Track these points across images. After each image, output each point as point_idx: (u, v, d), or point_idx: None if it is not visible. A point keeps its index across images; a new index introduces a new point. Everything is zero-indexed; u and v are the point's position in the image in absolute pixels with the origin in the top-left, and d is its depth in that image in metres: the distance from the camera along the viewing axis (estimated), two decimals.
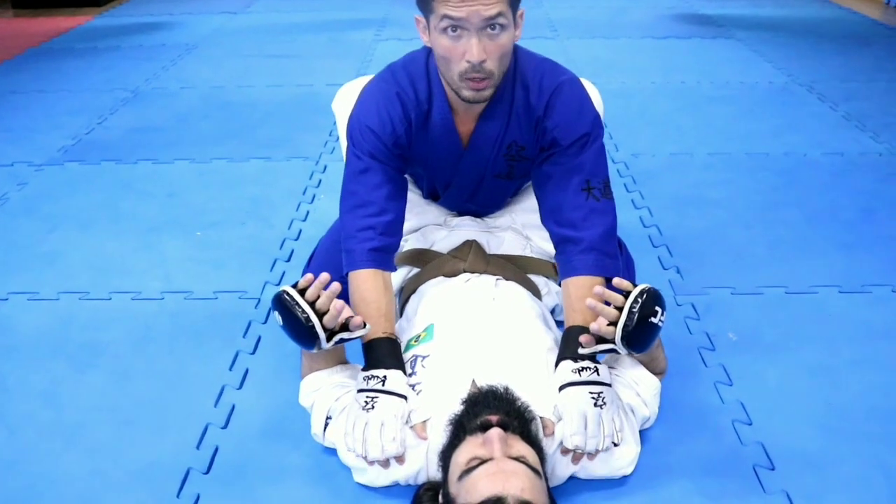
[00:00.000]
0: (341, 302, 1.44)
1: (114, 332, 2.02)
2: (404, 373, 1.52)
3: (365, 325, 1.49)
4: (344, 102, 2.05)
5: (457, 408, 1.39)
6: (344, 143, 2.04)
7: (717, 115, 3.48)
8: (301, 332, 1.44)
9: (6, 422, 1.72)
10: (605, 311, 1.41)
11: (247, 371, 1.85)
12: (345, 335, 1.47)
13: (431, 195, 1.99)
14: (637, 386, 1.56)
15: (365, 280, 1.63)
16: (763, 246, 2.38)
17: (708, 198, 2.69)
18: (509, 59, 1.59)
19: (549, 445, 1.42)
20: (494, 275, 1.79)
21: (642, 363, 1.59)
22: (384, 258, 1.66)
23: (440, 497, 1.33)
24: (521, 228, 1.95)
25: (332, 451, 1.55)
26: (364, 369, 1.54)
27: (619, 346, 1.42)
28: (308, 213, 2.63)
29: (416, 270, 1.88)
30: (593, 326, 1.42)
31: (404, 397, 1.47)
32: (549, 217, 1.71)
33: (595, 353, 1.47)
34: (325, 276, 1.45)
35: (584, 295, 1.53)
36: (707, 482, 1.52)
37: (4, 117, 3.62)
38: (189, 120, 3.53)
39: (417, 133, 1.69)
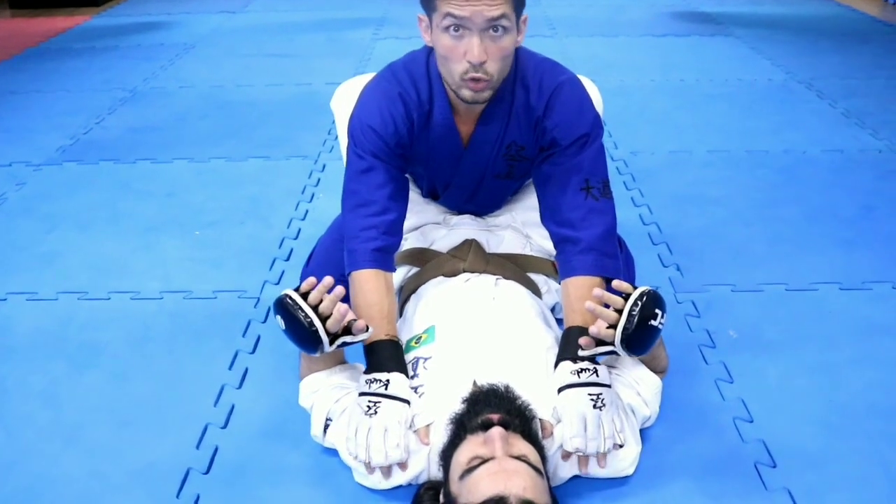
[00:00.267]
0: (345, 306, 1.43)
1: (113, 332, 2.01)
2: (406, 376, 1.52)
3: (367, 328, 1.48)
4: (342, 101, 2.04)
5: (457, 407, 1.39)
6: (343, 141, 2.03)
7: (717, 112, 3.48)
8: (304, 336, 1.43)
9: (5, 422, 1.71)
10: (605, 313, 1.40)
11: (246, 370, 1.85)
12: (347, 339, 1.46)
13: (431, 195, 1.99)
14: (638, 385, 1.56)
15: (367, 280, 1.62)
16: (763, 243, 2.37)
17: (707, 195, 2.69)
18: (510, 63, 1.59)
19: (550, 447, 1.42)
20: (494, 274, 1.78)
21: (643, 362, 1.59)
22: (386, 258, 1.66)
23: (441, 496, 1.33)
24: (520, 227, 1.95)
25: (332, 451, 1.54)
26: (366, 372, 1.53)
27: (618, 349, 1.42)
28: (307, 212, 2.62)
29: (415, 270, 1.88)
30: (592, 329, 1.41)
31: (407, 402, 1.46)
32: (549, 217, 1.71)
33: (595, 355, 1.46)
34: (328, 279, 1.44)
35: (583, 295, 1.52)
36: (708, 481, 1.52)
37: (3, 117, 3.62)
38: (188, 119, 3.52)
39: (419, 133, 1.69)
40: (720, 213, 2.57)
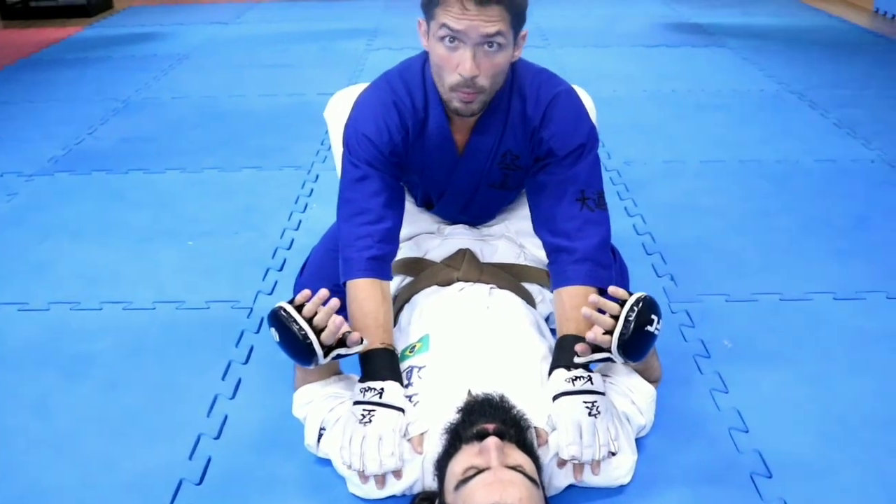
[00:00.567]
0: (340, 318, 1.42)
1: (105, 343, 2.00)
2: (401, 384, 1.51)
3: (362, 340, 1.47)
4: (336, 111, 2.04)
5: (452, 416, 1.38)
6: (336, 151, 2.03)
7: (709, 122, 3.49)
8: (298, 348, 1.42)
9: None
10: (601, 319, 1.40)
11: (239, 381, 1.84)
12: (342, 351, 1.46)
13: (425, 204, 1.98)
14: (632, 394, 1.55)
15: (363, 289, 1.62)
16: (757, 253, 2.38)
17: (701, 205, 2.69)
18: (503, 77, 1.59)
19: (544, 455, 1.41)
20: (488, 283, 1.78)
21: (637, 371, 1.58)
22: (382, 267, 1.65)
23: None
24: (514, 236, 1.94)
25: (326, 462, 1.53)
26: (361, 380, 1.52)
27: (615, 355, 1.41)
28: (300, 222, 2.61)
29: (409, 279, 1.87)
30: (589, 335, 1.40)
31: (402, 410, 1.45)
32: (543, 226, 1.71)
33: (590, 362, 1.46)
34: (323, 292, 1.43)
35: (577, 304, 1.52)
36: (704, 490, 1.51)
37: None
38: (180, 129, 3.51)
39: (414, 141, 1.68)
40: (714, 222, 2.57)
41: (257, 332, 2.02)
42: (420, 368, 1.54)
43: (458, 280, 1.79)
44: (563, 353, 1.51)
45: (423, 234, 1.97)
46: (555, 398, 1.45)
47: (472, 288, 1.75)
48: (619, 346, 1.39)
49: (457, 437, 1.33)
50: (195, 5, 6.33)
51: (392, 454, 1.39)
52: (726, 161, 3.05)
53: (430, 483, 1.40)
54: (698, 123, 3.48)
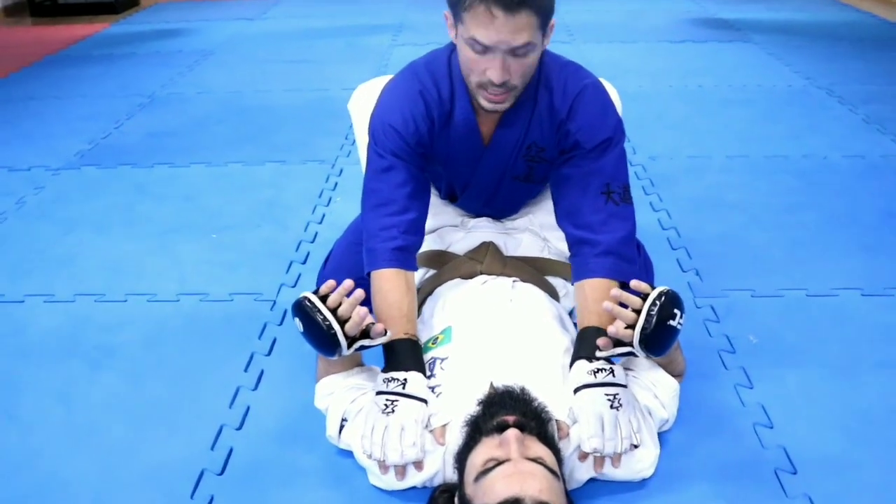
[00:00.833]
0: (364, 309, 1.42)
1: (129, 334, 2.01)
2: (424, 375, 1.51)
3: (386, 332, 1.47)
4: (360, 103, 2.04)
5: (473, 409, 1.37)
6: (361, 144, 2.03)
7: (735, 118, 3.45)
8: (322, 339, 1.42)
9: (20, 421, 1.72)
10: (623, 313, 1.39)
11: (262, 372, 1.84)
12: (366, 342, 1.46)
13: (449, 196, 1.98)
14: (655, 388, 1.54)
15: (388, 280, 1.61)
16: (783, 249, 2.35)
17: (726, 200, 2.66)
18: (533, 70, 1.57)
19: (565, 448, 1.40)
20: (511, 277, 1.77)
21: (660, 365, 1.57)
22: (407, 258, 1.65)
23: (456, 499, 1.31)
24: (538, 230, 1.93)
25: (347, 453, 1.53)
26: (384, 370, 1.52)
27: (637, 350, 1.40)
28: (324, 215, 2.62)
29: (432, 272, 1.87)
30: (611, 329, 1.39)
31: (425, 401, 1.45)
32: (566, 218, 1.69)
33: (612, 356, 1.44)
34: (348, 282, 1.43)
35: (599, 297, 1.51)
36: (728, 486, 1.49)
37: (22, 123, 3.64)
38: (205, 124, 3.53)
39: (439, 131, 1.67)
40: (739, 218, 2.54)
41: (280, 324, 2.02)
42: (443, 360, 1.54)
43: (482, 273, 1.78)
44: (585, 345, 1.50)
45: (447, 227, 1.96)
46: (576, 391, 1.44)
47: (496, 281, 1.74)
48: (640, 341, 1.37)
49: (477, 430, 1.32)
50: (221, 2, 6.36)
51: (413, 444, 1.39)
52: (752, 156, 3.02)
53: (451, 475, 1.40)
54: (724, 119, 3.44)
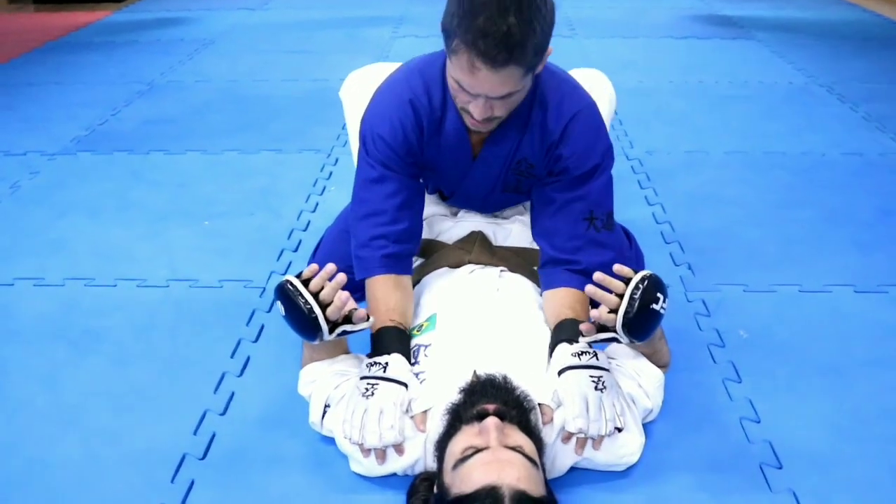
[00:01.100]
0: (346, 293, 1.41)
1: (117, 319, 2.00)
2: (408, 358, 1.50)
3: (369, 318, 1.46)
4: (351, 90, 2.03)
5: (455, 397, 1.37)
6: (352, 131, 2.02)
7: (735, 114, 3.43)
8: (303, 322, 1.41)
9: (4, 405, 1.71)
10: (605, 297, 1.37)
11: (248, 359, 1.84)
12: (348, 327, 1.44)
13: (439, 196, 1.97)
14: (639, 377, 1.53)
15: (379, 283, 1.63)
16: (777, 244, 2.33)
17: (722, 195, 2.65)
18: (522, 99, 1.54)
19: (549, 434, 1.39)
20: (499, 266, 1.76)
21: (644, 355, 1.56)
22: (398, 263, 1.65)
23: (435, 487, 1.31)
24: (528, 220, 1.92)
25: (329, 441, 1.52)
26: (368, 356, 1.52)
27: (619, 335, 1.38)
28: (318, 204, 2.61)
29: (420, 261, 1.86)
30: (594, 313, 1.38)
31: (405, 384, 1.44)
32: (543, 237, 1.69)
33: (595, 341, 1.43)
34: (330, 266, 1.42)
35: (572, 303, 1.53)
36: (712, 479, 1.48)
37: (21, 108, 3.63)
38: (203, 113, 3.52)
39: (429, 140, 1.65)
40: (735, 213, 2.53)
41: (269, 311, 2.01)
42: (426, 347, 1.54)
43: (470, 262, 1.77)
44: (564, 331, 1.50)
45: (437, 216, 1.96)
46: (560, 372, 1.43)
47: (483, 270, 1.73)
48: (623, 325, 1.36)
49: (457, 417, 1.31)
50: None
51: (392, 427, 1.38)
52: (750, 152, 3.00)
53: (433, 463, 1.38)
54: (723, 115, 3.42)
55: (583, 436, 1.38)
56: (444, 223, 1.92)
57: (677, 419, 1.62)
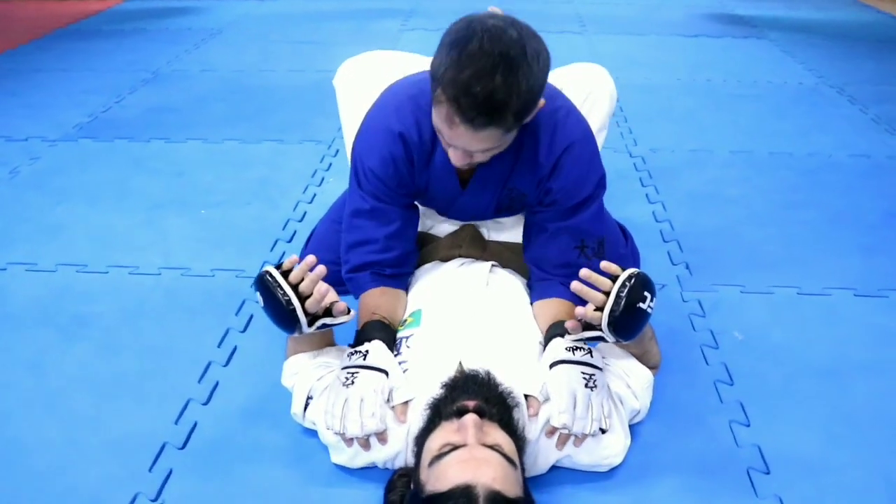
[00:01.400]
0: (325, 285, 1.39)
1: (106, 305, 1.99)
2: (389, 345, 1.48)
3: (349, 311, 1.44)
4: (346, 78, 2.01)
5: (437, 392, 1.34)
6: (345, 120, 2.00)
7: (742, 113, 3.39)
8: (282, 314, 1.39)
9: None
10: (592, 294, 1.35)
11: (235, 349, 1.82)
12: (327, 321, 1.43)
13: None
14: (628, 377, 1.50)
15: (369, 293, 1.62)
16: (778, 245, 2.30)
17: (725, 195, 2.61)
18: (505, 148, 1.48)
19: (534, 428, 1.37)
20: (490, 261, 1.73)
21: (634, 356, 1.53)
22: (391, 280, 1.64)
23: (412, 484, 1.28)
24: (522, 216, 1.89)
25: (311, 433, 1.51)
26: (350, 346, 1.51)
27: (605, 333, 1.36)
28: (315, 195, 2.59)
29: None
30: (579, 311, 1.36)
31: (385, 372, 1.42)
32: (533, 262, 1.67)
33: (580, 340, 1.41)
34: (310, 258, 1.40)
35: (566, 311, 1.51)
36: (697, 482, 1.46)
37: (26, 94, 3.63)
38: (206, 102, 3.51)
39: (420, 171, 1.62)
40: (736, 213, 2.49)
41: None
42: (408, 338, 1.51)
43: (460, 256, 1.75)
44: (557, 328, 1.47)
45: (428, 210, 1.93)
46: (552, 365, 1.40)
47: (473, 265, 1.71)
48: (609, 324, 1.34)
49: (437, 413, 1.29)
50: None
51: (373, 415, 1.36)
52: (756, 152, 2.96)
53: (413, 458, 1.36)
54: (731, 114, 3.38)
55: (566, 432, 1.36)
56: (436, 216, 1.89)
57: (666, 421, 1.59)
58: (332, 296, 1.40)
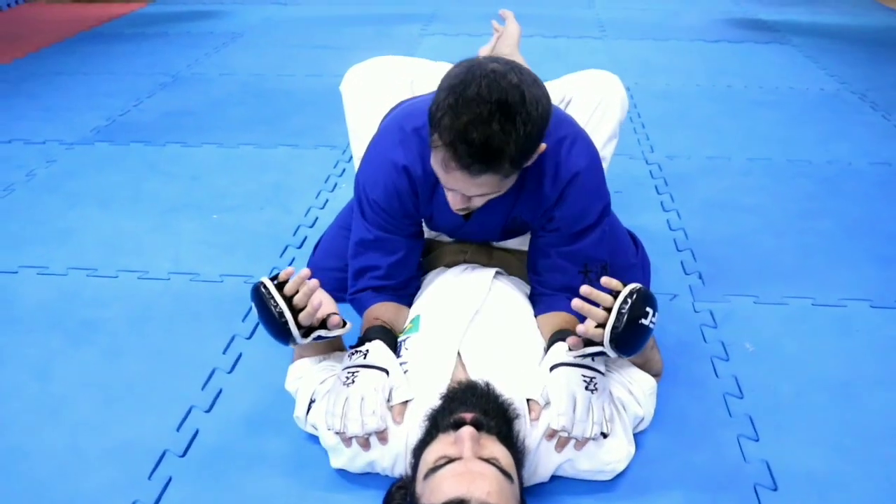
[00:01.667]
0: (319, 298, 1.39)
1: (114, 310, 2.00)
2: (390, 345, 1.47)
3: (345, 324, 1.44)
4: (352, 84, 2.01)
5: (435, 402, 1.33)
6: (351, 126, 2.00)
7: (762, 120, 3.34)
8: (274, 326, 1.40)
9: None
10: (593, 311, 1.33)
11: (240, 356, 1.82)
12: (323, 333, 1.43)
13: None
14: (630, 385, 1.48)
15: (372, 307, 1.61)
16: (793, 255, 2.26)
17: (741, 203, 2.57)
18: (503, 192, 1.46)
19: (535, 434, 1.36)
20: (496, 268, 1.72)
21: (636, 365, 1.51)
22: (394, 297, 1.64)
23: (408, 496, 1.27)
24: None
25: (312, 440, 1.51)
26: (351, 347, 1.51)
27: (607, 349, 1.34)
28: (327, 200, 2.59)
29: None
30: (580, 328, 1.33)
31: (386, 371, 1.41)
32: (537, 280, 1.64)
33: (581, 356, 1.38)
34: (305, 271, 1.40)
35: (569, 324, 1.49)
36: (702, 498, 1.43)
37: (45, 96, 3.66)
38: (223, 106, 3.52)
39: (424, 202, 1.60)
40: (752, 221, 2.45)
41: None
42: (406, 340, 1.52)
43: (465, 262, 1.73)
44: (560, 335, 1.46)
45: None
46: (552, 368, 1.39)
47: (476, 270, 1.69)
48: (611, 340, 1.31)
49: (434, 425, 1.28)
50: None
51: (374, 413, 1.35)
52: (774, 160, 2.92)
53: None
54: (750, 120, 3.34)
55: (566, 435, 1.34)
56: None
57: (672, 433, 1.57)
58: (327, 308, 1.39)
